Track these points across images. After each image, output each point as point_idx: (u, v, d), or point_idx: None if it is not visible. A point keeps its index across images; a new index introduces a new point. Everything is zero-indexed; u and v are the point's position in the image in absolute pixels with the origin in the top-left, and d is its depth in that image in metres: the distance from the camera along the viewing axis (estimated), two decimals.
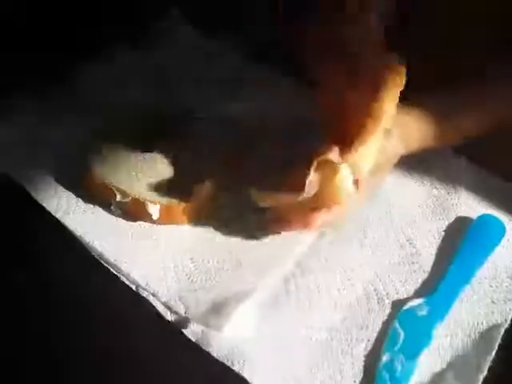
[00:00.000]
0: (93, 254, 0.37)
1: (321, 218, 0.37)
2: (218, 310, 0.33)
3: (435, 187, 0.44)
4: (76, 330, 0.34)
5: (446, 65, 0.42)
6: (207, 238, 0.39)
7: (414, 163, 0.45)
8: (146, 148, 0.43)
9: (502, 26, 0.41)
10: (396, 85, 0.36)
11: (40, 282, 0.36)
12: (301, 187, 0.35)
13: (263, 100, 0.48)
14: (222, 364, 0.31)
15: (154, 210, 0.39)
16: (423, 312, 0.34)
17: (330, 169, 0.35)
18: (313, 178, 0.35)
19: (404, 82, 0.36)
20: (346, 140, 0.36)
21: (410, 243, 0.39)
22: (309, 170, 0.35)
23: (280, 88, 0.50)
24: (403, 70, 0.36)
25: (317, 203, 0.36)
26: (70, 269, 0.37)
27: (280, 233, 0.38)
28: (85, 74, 0.49)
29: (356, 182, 0.36)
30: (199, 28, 0.57)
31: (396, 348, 0.32)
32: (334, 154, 0.35)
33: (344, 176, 0.35)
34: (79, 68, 0.50)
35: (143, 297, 0.35)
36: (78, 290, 0.36)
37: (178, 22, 0.57)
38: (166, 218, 0.40)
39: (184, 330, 0.33)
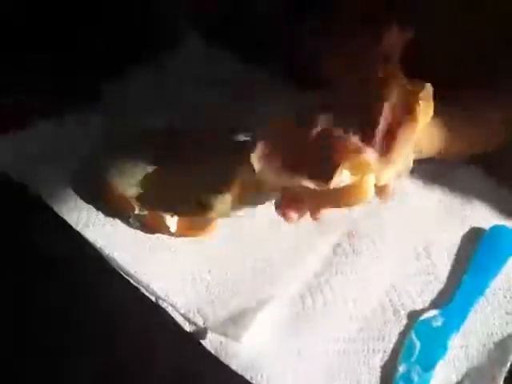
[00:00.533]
0: (114, 266, 0.38)
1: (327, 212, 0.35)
2: (235, 320, 0.34)
3: (449, 198, 0.44)
4: (95, 340, 0.35)
5: (450, 74, 0.41)
6: (224, 249, 0.39)
7: (428, 174, 0.46)
8: (163, 162, 0.44)
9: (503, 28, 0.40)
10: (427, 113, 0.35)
11: (63, 293, 0.37)
12: (325, 177, 0.32)
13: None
14: (241, 376, 0.32)
15: (172, 223, 0.40)
16: (438, 323, 0.35)
17: (360, 168, 0.33)
18: (344, 173, 0.33)
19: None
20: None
21: (426, 254, 0.40)
22: (340, 163, 0.32)
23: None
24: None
25: (333, 198, 0.34)
26: (90, 278, 0.38)
27: (285, 216, 0.35)
28: (109, 91, 0.51)
29: (378, 188, 0.35)
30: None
31: (412, 359, 0.33)
32: (370, 156, 0.33)
33: (371, 179, 0.33)
34: (103, 84, 0.52)
35: (162, 308, 0.35)
36: (99, 300, 0.37)
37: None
38: (184, 230, 0.41)
39: (202, 341, 0.34)
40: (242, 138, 0.46)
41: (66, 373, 0.33)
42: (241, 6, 0.57)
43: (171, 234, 0.41)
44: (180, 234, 0.41)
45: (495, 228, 0.41)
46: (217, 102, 0.50)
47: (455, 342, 0.34)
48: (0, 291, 0.37)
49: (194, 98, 0.50)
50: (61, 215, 0.41)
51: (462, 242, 0.41)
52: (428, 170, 0.46)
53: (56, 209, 0.41)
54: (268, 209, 0.42)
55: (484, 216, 0.43)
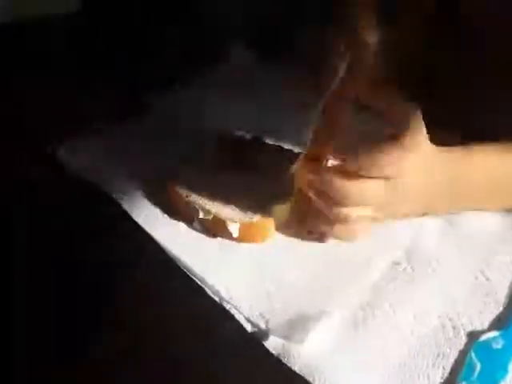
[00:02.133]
0: (180, 266, 0.40)
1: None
2: (297, 325, 0.35)
3: (508, 217, 0.44)
4: (159, 340, 0.36)
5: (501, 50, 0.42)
6: (286, 260, 0.41)
7: None
8: (226, 170, 0.46)
9: None
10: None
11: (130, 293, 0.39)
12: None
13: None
14: (303, 378, 0.33)
15: (234, 229, 0.42)
16: (498, 345, 0.35)
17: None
18: None
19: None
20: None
21: (484, 275, 0.40)
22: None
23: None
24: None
25: None
26: (156, 278, 0.40)
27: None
28: (172, 102, 0.54)
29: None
30: None
31: (473, 378, 0.33)
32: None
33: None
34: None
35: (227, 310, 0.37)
36: (164, 300, 0.38)
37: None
38: (245, 236, 0.42)
39: (265, 343, 0.35)
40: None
41: None
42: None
43: (232, 239, 0.42)
44: (241, 239, 0.42)
45: None
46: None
47: None
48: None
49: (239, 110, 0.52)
50: (130, 214, 0.43)
51: None
52: None
53: (126, 208, 0.43)
54: None
55: None
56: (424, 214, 0.43)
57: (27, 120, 0.54)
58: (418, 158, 0.38)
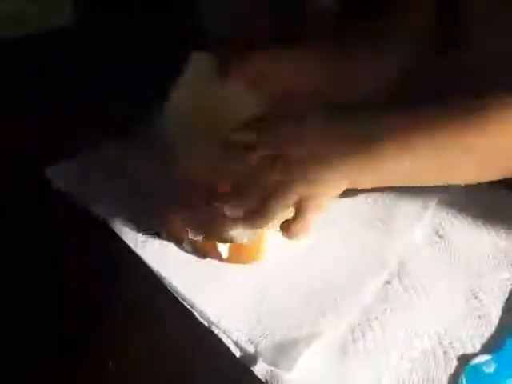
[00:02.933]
0: (169, 288, 0.39)
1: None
2: (285, 351, 0.34)
3: (502, 239, 0.44)
4: (143, 364, 0.36)
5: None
6: (276, 281, 0.40)
7: (481, 214, 0.46)
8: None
9: None
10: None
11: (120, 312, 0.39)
12: None
13: None
14: None
15: (223, 249, 0.42)
16: (490, 369, 0.34)
17: None
18: None
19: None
20: None
21: (476, 297, 0.39)
22: None
23: None
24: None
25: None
26: (144, 298, 0.40)
27: None
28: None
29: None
30: None
31: None
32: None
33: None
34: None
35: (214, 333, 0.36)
36: (151, 321, 0.38)
37: None
38: (234, 257, 0.42)
39: (253, 369, 0.34)
40: None
41: None
42: None
43: (222, 260, 0.42)
44: (231, 260, 0.42)
45: None
46: None
47: None
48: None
49: None
50: (120, 236, 0.43)
51: None
52: (481, 211, 0.46)
53: (115, 230, 0.43)
54: (320, 243, 0.43)
55: None
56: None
57: (15, 142, 0.54)
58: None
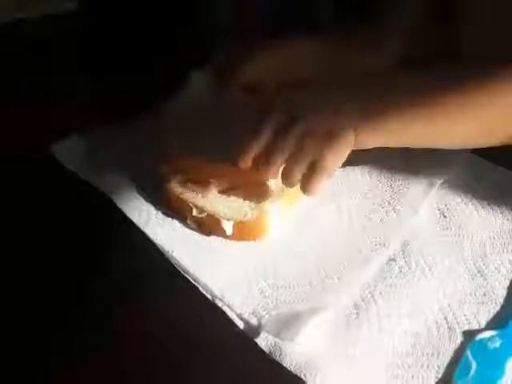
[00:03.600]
0: (174, 264, 0.39)
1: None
2: (289, 322, 0.34)
3: (507, 218, 0.44)
4: (151, 333, 0.36)
5: None
6: (280, 256, 0.40)
7: (486, 193, 0.45)
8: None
9: None
10: None
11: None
12: None
13: None
14: (294, 375, 0.32)
15: (228, 227, 0.41)
16: (495, 344, 0.34)
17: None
18: None
19: None
20: None
21: (481, 275, 0.39)
22: None
23: None
24: None
25: None
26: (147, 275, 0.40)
27: None
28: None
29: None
30: None
31: (468, 377, 0.32)
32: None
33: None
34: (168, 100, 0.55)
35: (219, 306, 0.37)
36: (155, 297, 0.38)
37: None
38: (238, 234, 0.42)
39: (256, 340, 0.34)
40: None
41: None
42: None
43: (226, 237, 0.42)
44: (235, 237, 0.42)
45: None
46: None
47: None
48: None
49: None
50: (124, 212, 0.43)
51: None
52: (488, 192, 0.46)
53: (120, 206, 0.43)
54: (324, 220, 0.43)
55: None
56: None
57: (24, 119, 0.54)
58: None
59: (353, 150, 0.39)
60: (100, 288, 0.39)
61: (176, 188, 0.43)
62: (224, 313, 0.36)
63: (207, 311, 0.37)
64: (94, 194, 0.45)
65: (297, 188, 0.45)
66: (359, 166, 0.49)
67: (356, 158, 0.48)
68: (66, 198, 0.46)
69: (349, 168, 0.48)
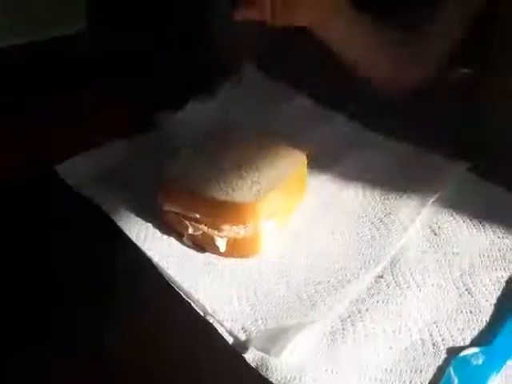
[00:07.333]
0: (168, 280, 0.41)
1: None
2: (276, 338, 0.35)
3: (498, 236, 0.44)
4: (140, 347, 0.37)
5: None
6: (270, 272, 0.41)
7: (478, 210, 0.46)
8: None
9: None
10: None
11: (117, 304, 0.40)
12: None
13: None
14: None
15: (221, 244, 0.43)
16: (478, 361, 0.35)
17: None
18: None
19: None
20: None
21: (469, 292, 0.40)
22: None
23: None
24: None
25: None
26: (143, 289, 0.41)
27: None
28: (172, 121, 0.56)
29: None
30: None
31: None
32: None
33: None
34: (166, 115, 0.57)
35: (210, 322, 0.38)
36: (149, 311, 0.40)
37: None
38: (232, 251, 0.43)
39: (245, 355, 0.35)
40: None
41: None
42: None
43: (220, 254, 0.43)
44: (229, 254, 0.43)
45: None
46: None
47: (495, 382, 0.34)
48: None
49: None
50: (123, 230, 0.45)
51: (508, 282, 0.41)
52: (479, 210, 0.46)
53: (119, 223, 0.45)
54: (316, 238, 0.45)
55: None
56: None
57: (30, 136, 0.56)
58: None
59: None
60: (94, 303, 0.40)
61: (172, 208, 0.45)
62: (215, 328, 0.37)
63: (199, 326, 0.38)
64: (94, 211, 0.47)
65: (289, 207, 0.47)
66: (352, 186, 0.50)
67: (349, 178, 0.51)
68: (67, 215, 0.47)
69: (342, 188, 0.50)
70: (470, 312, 0.38)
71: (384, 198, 0.48)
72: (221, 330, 0.37)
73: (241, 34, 0.71)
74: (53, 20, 0.72)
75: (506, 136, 0.53)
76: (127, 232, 0.44)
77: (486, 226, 0.46)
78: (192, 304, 0.39)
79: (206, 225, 0.43)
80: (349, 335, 0.36)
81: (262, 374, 0.34)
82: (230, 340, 0.37)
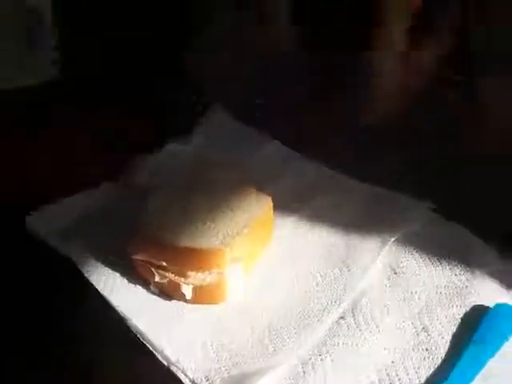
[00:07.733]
0: (133, 330, 0.42)
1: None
2: None
3: (455, 274, 0.46)
4: None
5: None
6: (233, 320, 0.42)
7: (438, 248, 0.48)
8: None
9: None
10: None
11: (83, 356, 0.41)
12: None
13: None
14: None
15: (187, 291, 0.44)
16: None
17: None
18: None
19: None
20: None
21: (425, 330, 0.41)
22: None
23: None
24: None
25: None
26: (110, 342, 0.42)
27: None
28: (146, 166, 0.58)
29: None
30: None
31: None
32: None
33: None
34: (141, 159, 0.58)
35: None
36: (114, 364, 0.40)
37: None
38: (198, 298, 0.44)
39: None
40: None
41: None
42: None
43: (186, 301, 0.44)
44: (195, 301, 0.44)
45: (499, 306, 0.42)
46: None
47: None
48: None
49: None
50: (90, 279, 0.45)
51: (464, 319, 0.42)
52: (438, 248, 0.48)
53: (85, 273, 0.46)
54: (278, 282, 0.46)
55: (490, 293, 0.44)
56: None
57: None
58: None
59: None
60: (59, 353, 0.41)
61: (140, 256, 0.46)
62: (178, 379, 0.38)
63: (164, 378, 0.38)
64: (60, 260, 0.47)
65: (256, 252, 0.48)
66: (318, 228, 0.51)
67: (315, 221, 0.52)
68: (32, 265, 0.48)
69: (308, 231, 0.51)
70: (426, 350, 0.40)
71: (348, 239, 0.50)
72: (185, 380, 0.38)
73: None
74: None
75: (468, 176, 0.55)
76: (94, 282, 0.45)
77: (444, 263, 0.47)
78: (156, 354, 0.40)
79: (172, 272, 0.45)
80: (309, 379, 0.37)
81: None
82: None
